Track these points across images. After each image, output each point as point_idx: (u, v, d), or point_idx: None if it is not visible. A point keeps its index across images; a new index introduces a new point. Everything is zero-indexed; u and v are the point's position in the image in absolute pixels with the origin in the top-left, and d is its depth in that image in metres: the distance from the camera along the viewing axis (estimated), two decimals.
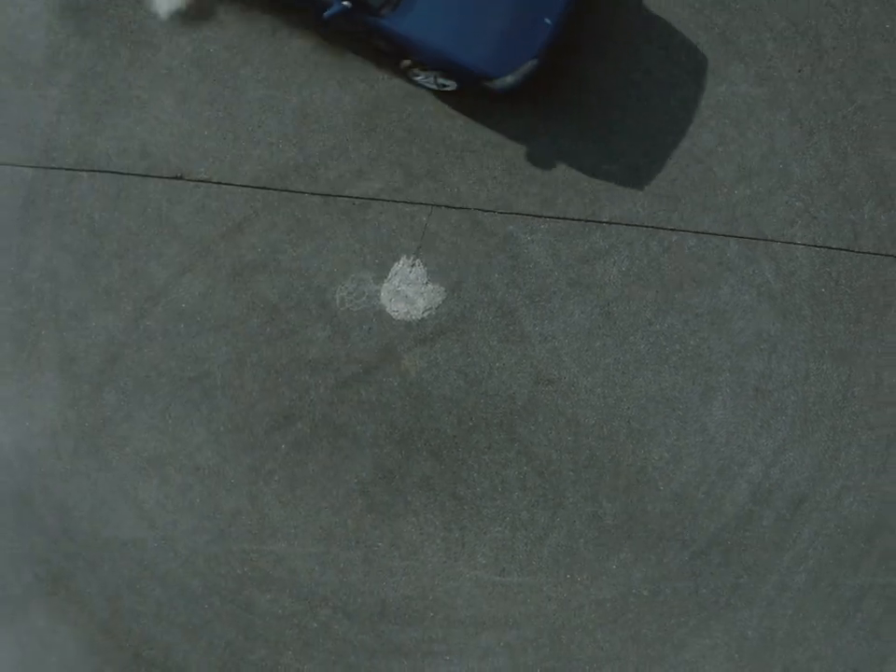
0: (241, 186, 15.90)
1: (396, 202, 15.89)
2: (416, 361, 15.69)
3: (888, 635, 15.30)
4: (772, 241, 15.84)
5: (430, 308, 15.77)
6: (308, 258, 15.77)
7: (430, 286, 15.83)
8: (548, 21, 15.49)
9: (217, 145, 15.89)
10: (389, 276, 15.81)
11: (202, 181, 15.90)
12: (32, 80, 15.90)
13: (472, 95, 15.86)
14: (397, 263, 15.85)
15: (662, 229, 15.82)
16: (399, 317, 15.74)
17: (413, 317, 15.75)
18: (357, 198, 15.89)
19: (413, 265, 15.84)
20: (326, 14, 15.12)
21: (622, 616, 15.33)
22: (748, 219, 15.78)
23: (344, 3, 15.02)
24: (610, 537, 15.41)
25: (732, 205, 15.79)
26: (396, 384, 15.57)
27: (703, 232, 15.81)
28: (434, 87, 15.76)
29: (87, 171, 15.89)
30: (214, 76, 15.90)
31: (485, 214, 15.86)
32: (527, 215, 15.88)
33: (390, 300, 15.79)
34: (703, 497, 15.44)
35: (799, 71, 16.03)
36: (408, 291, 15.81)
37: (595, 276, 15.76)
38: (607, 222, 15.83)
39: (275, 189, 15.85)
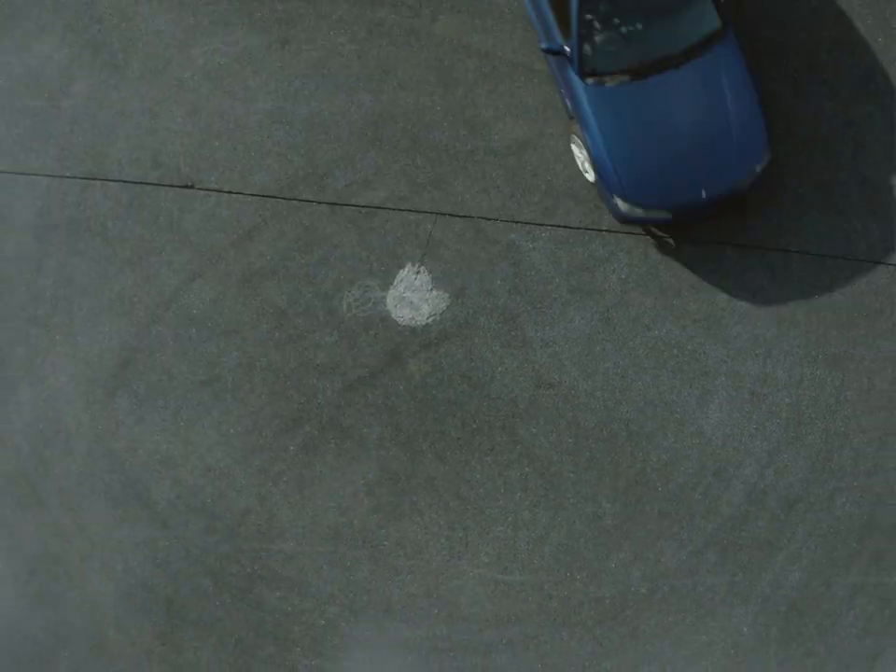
0: (250, 195, 16.01)
1: (401, 210, 15.99)
2: (421, 366, 15.78)
3: (879, 632, 15.31)
4: (766, 249, 15.96)
5: (435, 314, 15.85)
6: (316, 265, 15.86)
7: (435, 292, 15.89)
8: (704, 192, 15.18)
9: (227, 155, 16.02)
10: (395, 283, 15.89)
11: (212, 190, 16.00)
12: (46, 91, 16.14)
13: (478, 106, 16.13)
14: (402, 270, 15.91)
15: (659, 236, 15.94)
16: (404, 323, 15.82)
17: (418, 323, 15.83)
18: (363, 207, 15.98)
19: (417, 272, 15.90)
20: (542, 45, 15.04)
21: (620, 613, 15.38)
22: (743, 227, 15.91)
23: (566, 47, 14.99)
24: (610, 536, 15.47)
25: (728, 214, 15.92)
26: (401, 387, 15.65)
27: (699, 240, 15.94)
28: (578, 161, 15.67)
29: (100, 180, 16.03)
30: (224, 87, 16.06)
31: (488, 222, 15.96)
32: (529, 223, 15.97)
33: (396, 306, 15.86)
34: (699, 498, 15.50)
35: (793, 84, 16.21)
36: (413, 298, 15.87)
37: (595, 283, 15.84)
38: (606, 230, 15.93)
39: (284, 199, 15.95)
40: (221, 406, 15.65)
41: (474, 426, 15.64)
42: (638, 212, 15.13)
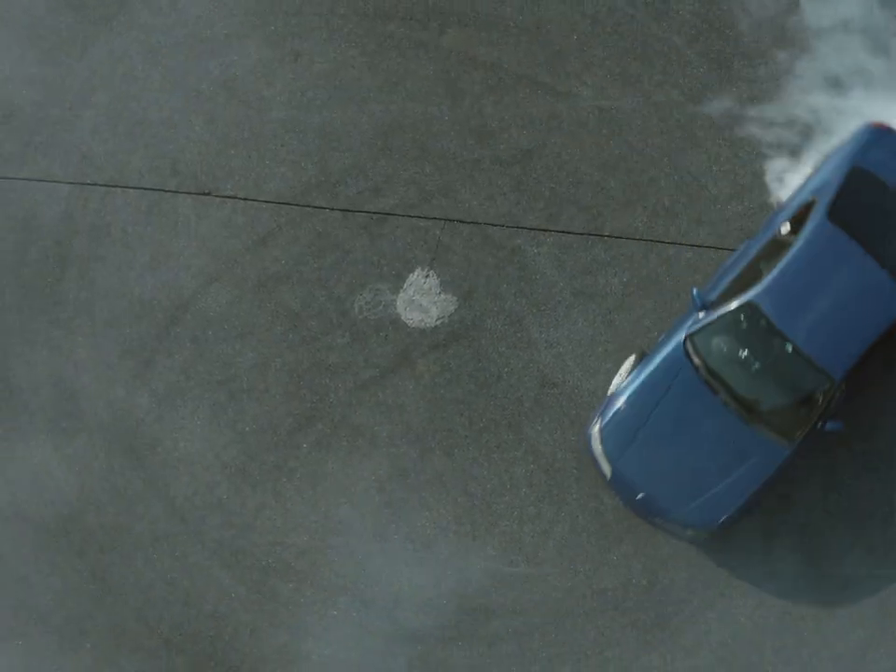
0: (265, 202, 16.12)
1: (410, 217, 16.08)
2: (430, 366, 15.88)
3: (870, 624, 15.44)
4: None
5: (443, 316, 15.94)
6: (328, 269, 15.98)
7: (443, 295, 15.98)
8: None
9: (242, 163, 16.14)
10: (405, 287, 15.97)
11: (228, 197, 16.14)
12: (68, 101, 16.29)
13: (484, 117, 16.15)
14: (412, 274, 15.99)
15: (660, 242, 16.02)
16: (413, 325, 15.92)
17: (427, 325, 15.92)
18: (374, 213, 16.08)
19: (426, 276, 15.98)
20: (687, 333, 14.62)
21: (622, 604, 15.50)
22: (740, 233, 15.94)
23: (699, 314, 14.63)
24: (611, 530, 15.58)
25: (725, 220, 15.96)
26: (411, 387, 15.78)
27: (698, 245, 15.98)
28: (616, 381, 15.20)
29: (120, 187, 16.17)
30: (240, 97, 16.21)
31: (495, 228, 16.05)
32: (534, 229, 16.05)
33: (405, 308, 15.94)
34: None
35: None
36: (422, 301, 15.95)
37: (598, 287, 15.93)
38: (608, 236, 16.03)
39: (298, 205, 16.09)
40: (237, 405, 15.78)
41: (481, 424, 15.76)
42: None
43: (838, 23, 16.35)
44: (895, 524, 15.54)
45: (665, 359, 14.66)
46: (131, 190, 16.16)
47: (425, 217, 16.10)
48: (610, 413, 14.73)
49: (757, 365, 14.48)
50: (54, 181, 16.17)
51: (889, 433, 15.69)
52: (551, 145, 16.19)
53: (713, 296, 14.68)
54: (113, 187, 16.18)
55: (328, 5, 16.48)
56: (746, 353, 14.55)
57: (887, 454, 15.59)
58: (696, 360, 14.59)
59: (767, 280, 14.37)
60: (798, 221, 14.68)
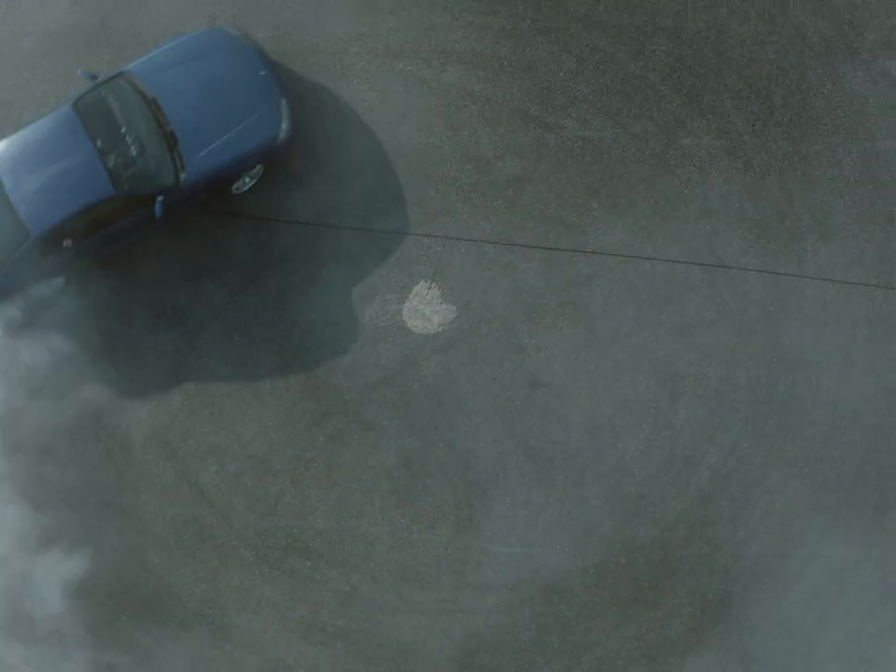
0: (285, 221, 16.46)
1: (415, 235, 16.42)
2: (433, 368, 16.29)
3: (827, 598, 15.96)
4: (729, 267, 16.34)
5: (444, 324, 16.34)
6: (342, 282, 16.36)
7: (444, 305, 16.36)
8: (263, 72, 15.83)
9: (265, 187, 16.47)
10: (410, 297, 16.36)
11: (253, 217, 16.49)
12: None
13: (480, 146, 16.49)
14: (416, 286, 16.40)
15: (637, 258, 16.39)
16: (417, 331, 16.33)
17: (430, 331, 16.32)
18: (383, 231, 16.42)
19: (429, 288, 16.37)
20: (157, 213, 15.62)
21: (603, 580, 16.01)
22: (709, 250, 16.39)
23: (158, 199, 15.54)
24: (594, 515, 16.07)
25: (696, 238, 16.39)
26: (416, 386, 16.24)
27: (671, 260, 16.40)
28: (249, 183, 16.37)
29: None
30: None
31: (490, 245, 16.41)
32: (524, 246, 16.42)
33: (410, 316, 16.34)
34: (671, 482, 16.14)
35: (752, 125, 16.64)
36: (425, 310, 16.36)
37: (582, 297, 16.34)
38: (591, 252, 16.40)
39: (314, 224, 16.41)
40: (260, 402, 16.23)
41: (478, 420, 16.20)
42: (286, 123, 15.86)
43: None
44: None
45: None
46: None
47: (428, 236, 16.37)
48: None
49: None
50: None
51: None
52: (540, 171, 16.53)
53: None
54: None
55: (341, 45, 16.75)
56: None
57: None
58: None
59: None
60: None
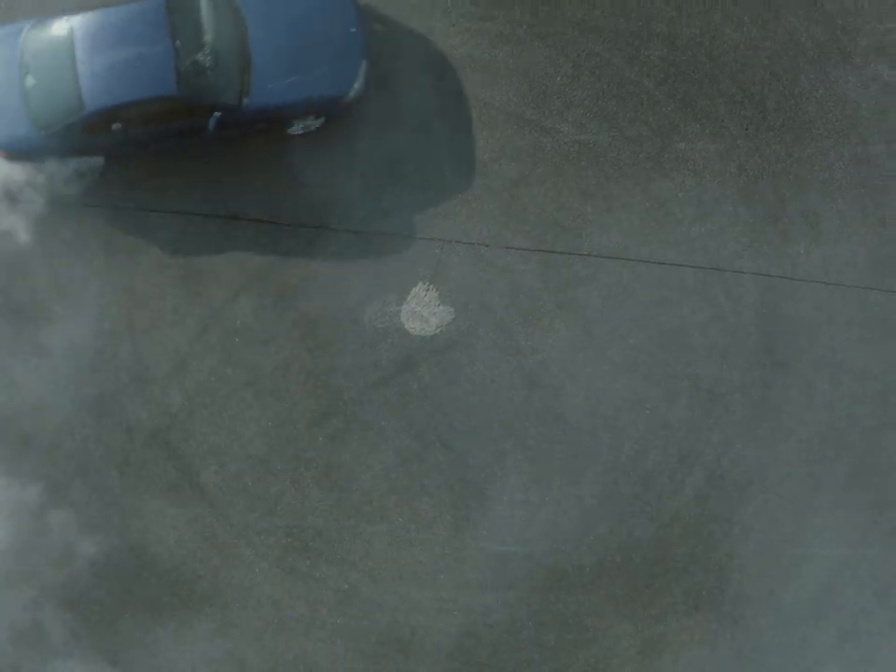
0: (286, 224, 16.48)
1: (414, 237, 16.43)
2: (430, 369, 16.31)
3: (822, 597, 16.02)
4: (723, 270, 16.40)
5: (442, 325, 16.35)
6: (341, 283, 16.36)
7: (442, 307, 16.37)
8: (353, 29, 16.06)
9: (266, 191, 16.49)
10: (408, 299, 16.36)
11: (253, 220, 16.52)
12: None
13: (478, 149, 16.53)
14: (414, 288, 16.39)
15: (633, 260, 16.43)
16: (416, 333, 16.34)
17: (428, 333, 16.33)
18: (382, 234, 16.43)
19: (427, 290, 16.37)
20: (210, 127, 15.74)
21: (599, 579, 16.04)
22: (703, 252, 16.44)
23: (216, 114, 15.72)
24: (590, 513, 16.09)
25: (690, 241, 16.44)
26: (414, 387, 16.26)
27: (666, 263, 16.44)
28: (303, 130, 16.41)
29: (158, 212, 16.53)
30: (262, 137, 16.51)
31: (487, 248, 16.44)
32: (521, 248, 16.45)
33: (409, 318, 16.34)
34: (666, 481, 16.21)
35: (746, 129, 16.73)
36: (423, 312, 16.37)
37: (578, 300, 16.38)
38: (587, 255, 16.42)
39: (314, 227, 16.44)
40: (261, 403, 16.24)
41: (476, 421, 16.24)
42: (359, 83, 15.90)
43: None
44: None
45: None
46: (167, 214, 16.41)
47: (426, 238, 16.41)
48: None
49: None
50: (98, 206, 16.40)
51: None
52: (536, 174, 16.59)
53: None
54: (151, 211, 16.45)
55: None
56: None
57: None
58: None
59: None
60: None
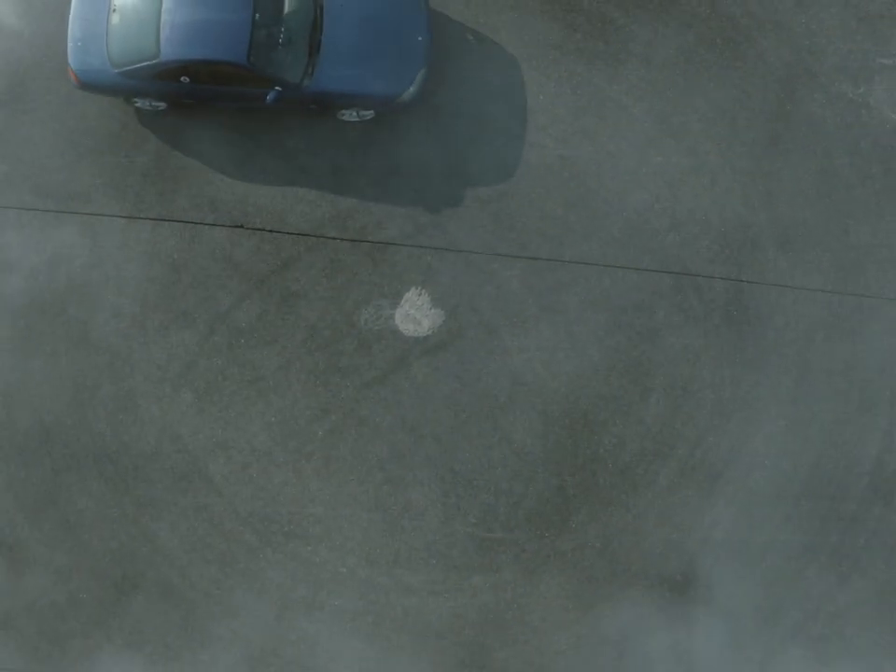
0: (287, 233, 16.76)
1: (407, 245, 16.70)
2: (422, 368, 16.59)
3: (786, 581, 16.38)
4: (696, 275, 16.75)
5: (433, 327, 16.62)
6: (339, 288, 16.65)
7: (433, 310, 16.64)
8: (420, 38, 16.40)
9: (268, 201, 16.74)
10: (402, 303, 16.62)
11: (257, 229, 16.79)
12: (123, 148, 16.83)
13: (467, 163, 16.78)
14: (407, 293, 16.64)
15: (611, 266, 16.72)
16: (409, 334, 16.61)
17: (420, 334, 16.60)
18: (377, 242, 16.71)
19: (420, 294, 16.63)
20: (268, 99, 16.16)
21: (579, 563, 16.37)
22: (677, 259, 16.75)
23: (276, 88, 16.11)
24: (571, 503, 16.43)
25: (665, 248, 16.75)
26: (407, 385, 16.52)
27: (643, 269, 16.71)
28: (357, 118, 16.88)
29: (168, 220, 16.79)
30: (265, 146, 16.77)
31: (475, 255, 16.71)
32: (507, 255, 16.74)
33: (402, 321, 16.60)
34: (642, 473, 16.54)
35: (718, 145, 17.02)
36: (416, 314, 16.63)
37: (560, 303, 16.65)
38: (569, 261, 16.71)
39: (314, 236, 16.68)
40: (264, 400, 16.50)
41: (464, 416, 16.55)
42: (414, 87, 16.27)
43: None
44: None
45: None
46: (176, 223, 16.72)
47: (419, 246, 16.70)
48: None
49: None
50: (112, 215, 16.65)
51: None
52: (522, 186, 16.88)
53: None
54: (161, 220, 16.73)
55: None
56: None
57: None
58: None
59: None
60: None
